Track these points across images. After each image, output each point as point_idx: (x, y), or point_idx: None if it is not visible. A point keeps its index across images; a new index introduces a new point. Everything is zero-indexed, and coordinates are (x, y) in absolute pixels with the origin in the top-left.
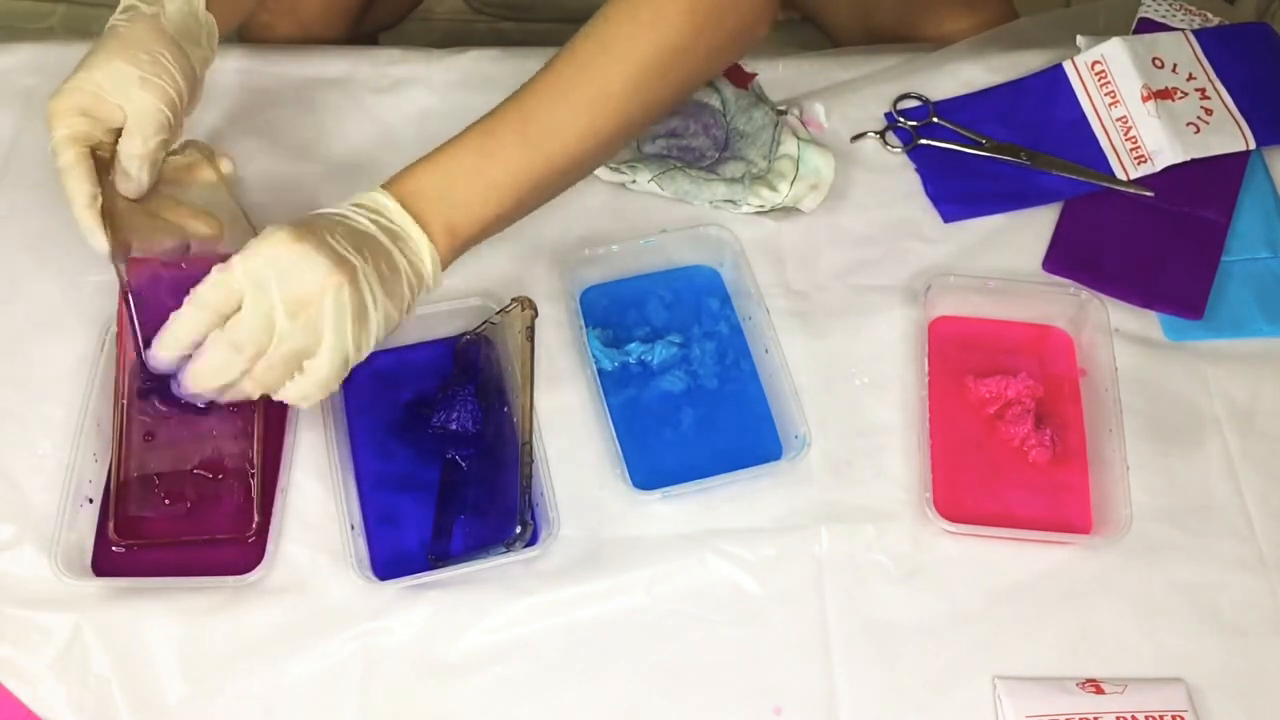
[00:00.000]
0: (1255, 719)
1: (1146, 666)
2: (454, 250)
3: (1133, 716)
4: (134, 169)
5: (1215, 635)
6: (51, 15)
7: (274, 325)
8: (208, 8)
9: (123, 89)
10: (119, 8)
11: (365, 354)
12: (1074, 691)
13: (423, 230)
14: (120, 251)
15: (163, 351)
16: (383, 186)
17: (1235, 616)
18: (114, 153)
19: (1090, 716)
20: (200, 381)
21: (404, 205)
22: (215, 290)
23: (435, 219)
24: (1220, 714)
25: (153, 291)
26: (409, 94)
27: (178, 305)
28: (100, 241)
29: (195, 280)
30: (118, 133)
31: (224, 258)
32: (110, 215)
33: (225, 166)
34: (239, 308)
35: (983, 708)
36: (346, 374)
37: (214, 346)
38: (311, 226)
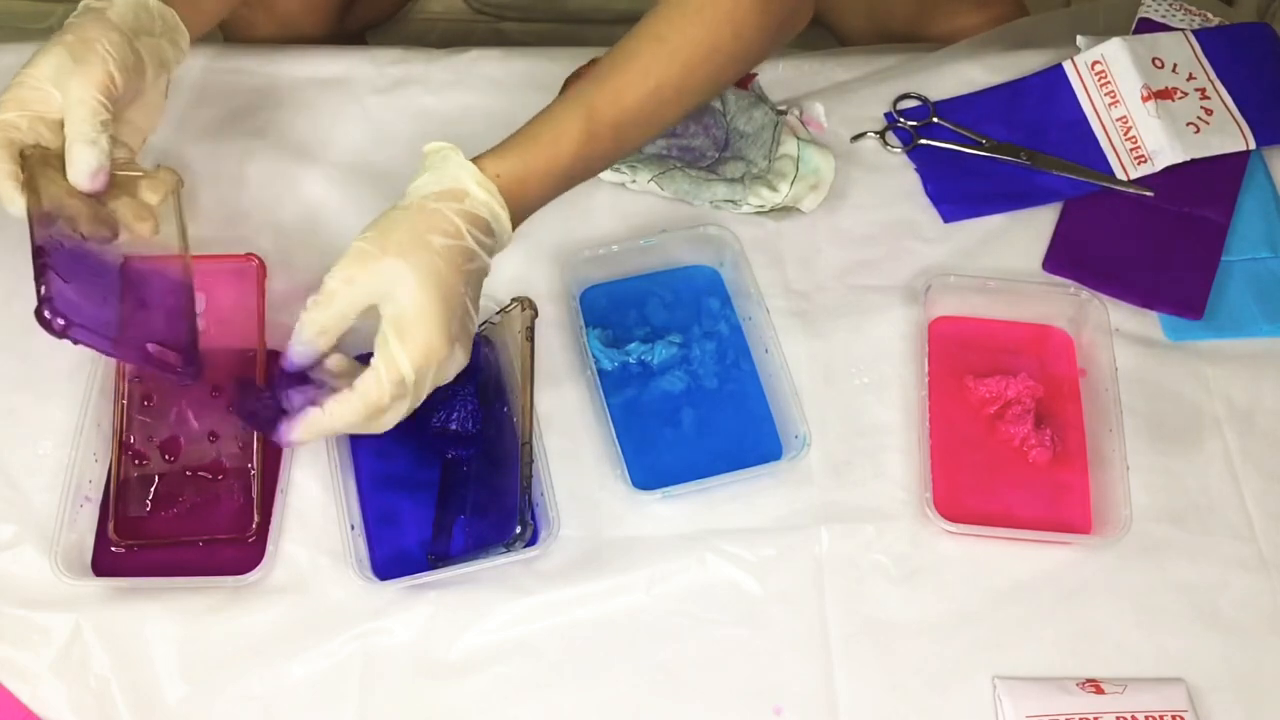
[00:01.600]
0: (1255, 719)
1: (1146, 666)
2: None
3: (1133, 716)
4: (73, 153)
5: (1215, 635)
6: (51, 15)
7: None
8: (167, 2)
9: (56, 77)
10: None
11: None
12: (1074, 691)
13: (510, 234)
14: (38, 216)
15: (302, 436)
16: (494, 178)
17: (1235, 616)
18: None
19: (1090, 716)
20: (313, 436)
21: (509, 206)
22: (387, 395)
23: (520, 217)
24: (1220, 714)
25: (60, 254)
26: (409, 94)
27: (86, 274)
28: (11, 193)
29: (97, 260)
30: (57, 129)
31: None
32: (38, 189)
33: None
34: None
35: (983, 708)
36: None
37: (352, 417)
38: (458, 311)
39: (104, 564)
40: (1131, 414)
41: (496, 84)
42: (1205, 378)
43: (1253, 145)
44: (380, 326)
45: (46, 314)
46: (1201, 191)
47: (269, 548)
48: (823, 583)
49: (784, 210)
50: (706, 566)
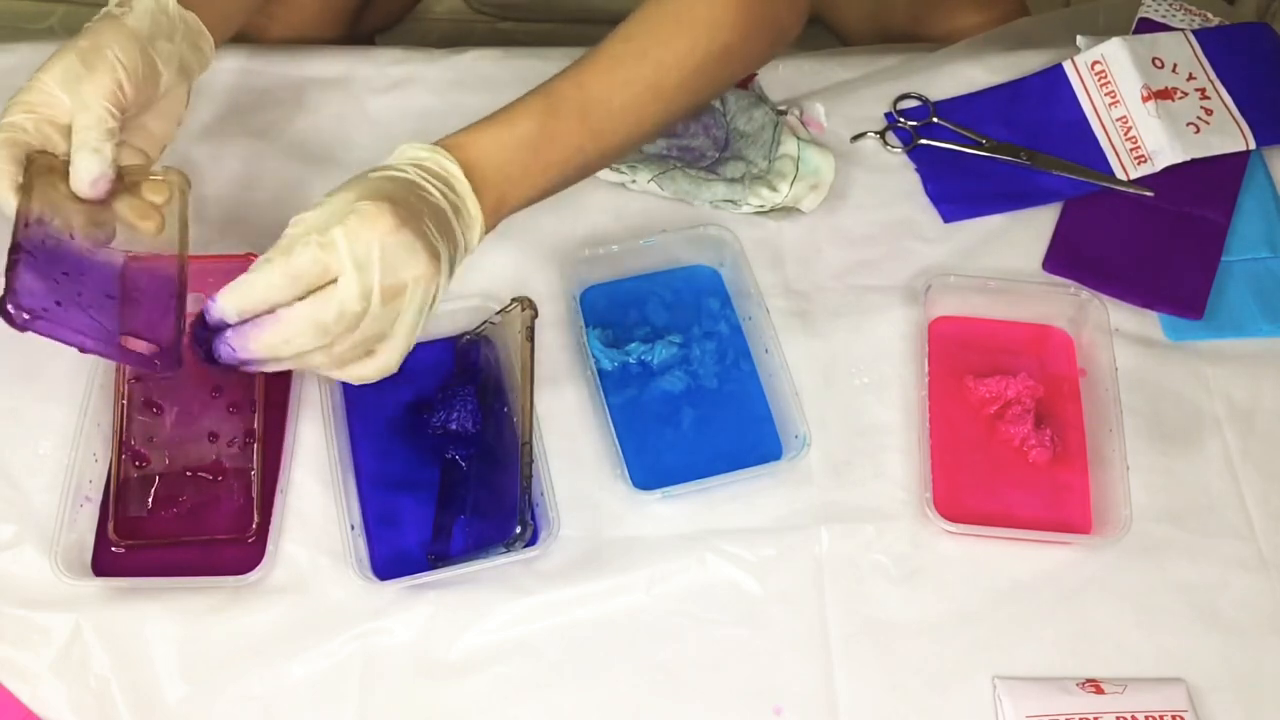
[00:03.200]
0: (1255, 719)
1: (1146, 666)
2: (494, 225)
3: (1133, 716)
4: (76, 160)
5: (1215, 635)
6: (51, 15)
7: (368, 309)
8: (188, 7)
9: (66, 82)
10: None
11: None
12: (1074, 691)
13: (478, 204)
14: (25, 217)
15: (229, 304)
16: (445, 146)
17: (1235, 616)
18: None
19: (1090, 716)
20: (270, 349)
21: (466, 174)
22: (313, 263)
23: (490, 193)
24: (1220, 714)
25: (41, 252)
26: (409, 94)
27: (71, 274)
28: (6, 195)
29: (89, 262)
30: (66, 134)
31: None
32: (33, 192)
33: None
34: (327, 282)
35: (983, 708)
36: None
37: (296, 320)
38: (408, 209)
39: (104, 564)
40: (1131, 414)
41: (496, 84)
42: (1205, 378)
43: (1253, 145)
44: None
45: (10, 307)
46: (1201, 191)
47: (269, 548)
48: (823, 583)
49: (784, 210)
50: (706, 566)
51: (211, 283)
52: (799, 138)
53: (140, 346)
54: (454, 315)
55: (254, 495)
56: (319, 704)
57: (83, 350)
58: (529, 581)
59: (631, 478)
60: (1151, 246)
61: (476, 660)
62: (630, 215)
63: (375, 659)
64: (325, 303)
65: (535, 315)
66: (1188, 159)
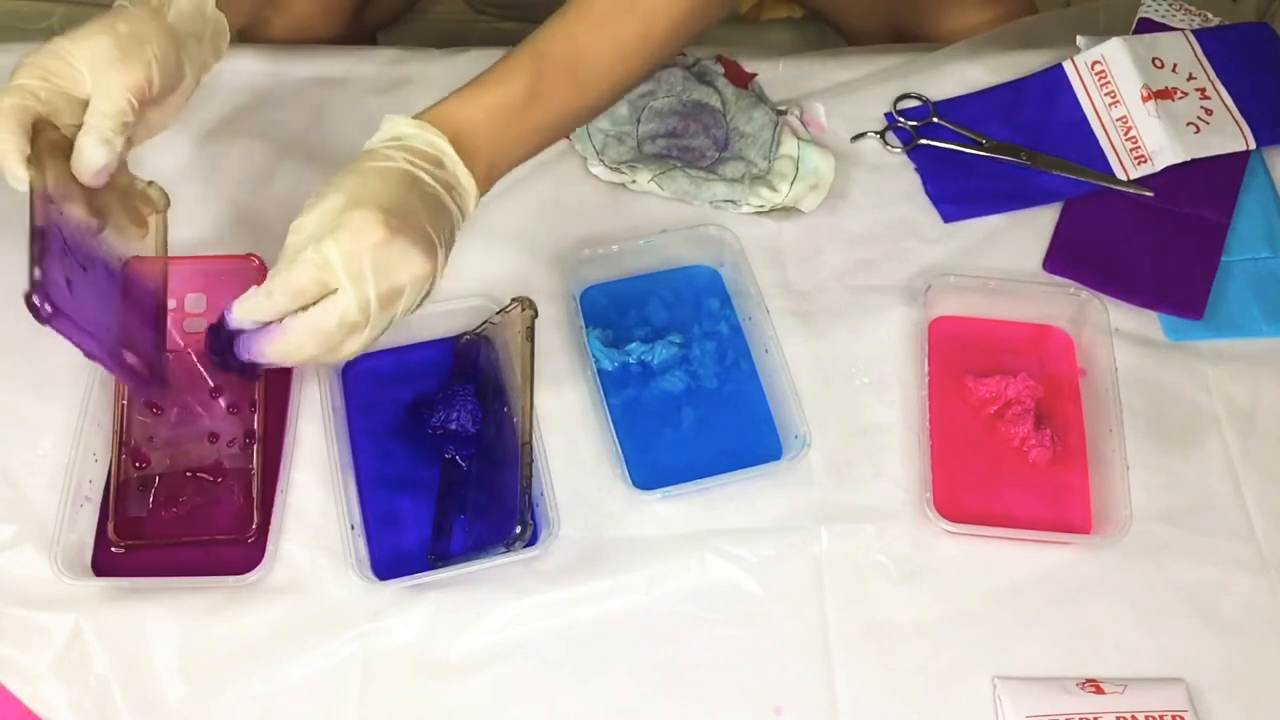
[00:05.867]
0: (1255, 719)
1: (1146, 666)
2: (488, 189)
3: (1133, 716)
4: (85, 147)
5: (1215, 635)
6: (51, 15)
7: (368, 318)
8: (217, 6)
9: (94, 61)
10: None
11: None
12: (1074, 691)
13: (470, 176)
14: (41, 195)
15: (243, 314)
16: (432, 117)
17: (1235, 616)
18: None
19: (1090, 716)
20: (281, 355)
21: (455, 144)
22: (312, 282)
23: (481, 161)
24: (1220, 714)
25: (57, 240)
26: (409, 94)
27: (82, 266)
28: (16, 169)
29: (93, 255)
30: (75, 108)
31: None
32: (44, 167)
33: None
34: (329, 292)
35: (983, 708)
36: None
37: (300, 330)
38: (400, 213)
39: (104, 564)
40: (1131, 414)
41: None
42: (1205, 378)
43: (1253, 145)
44: None
45: (36, 299)
46: (1201, 191)
47: (269, 548)
48: (823, 583)
49: (784, 210)
50: (706, 566)
51: (212, 283)
52: (799, 138)
53: (134, 361)
54: (454, 315)
55: (254, 495)
56: (319, 704)
57: (86, 355)
58: (529, 581)
59: (631, 478)
60: (1151, 246)
61: (476, 660)
62: (630, 215)
63: (375, 659)
64: (327, 314)
65: (535, 315)
66: (1188, 159)
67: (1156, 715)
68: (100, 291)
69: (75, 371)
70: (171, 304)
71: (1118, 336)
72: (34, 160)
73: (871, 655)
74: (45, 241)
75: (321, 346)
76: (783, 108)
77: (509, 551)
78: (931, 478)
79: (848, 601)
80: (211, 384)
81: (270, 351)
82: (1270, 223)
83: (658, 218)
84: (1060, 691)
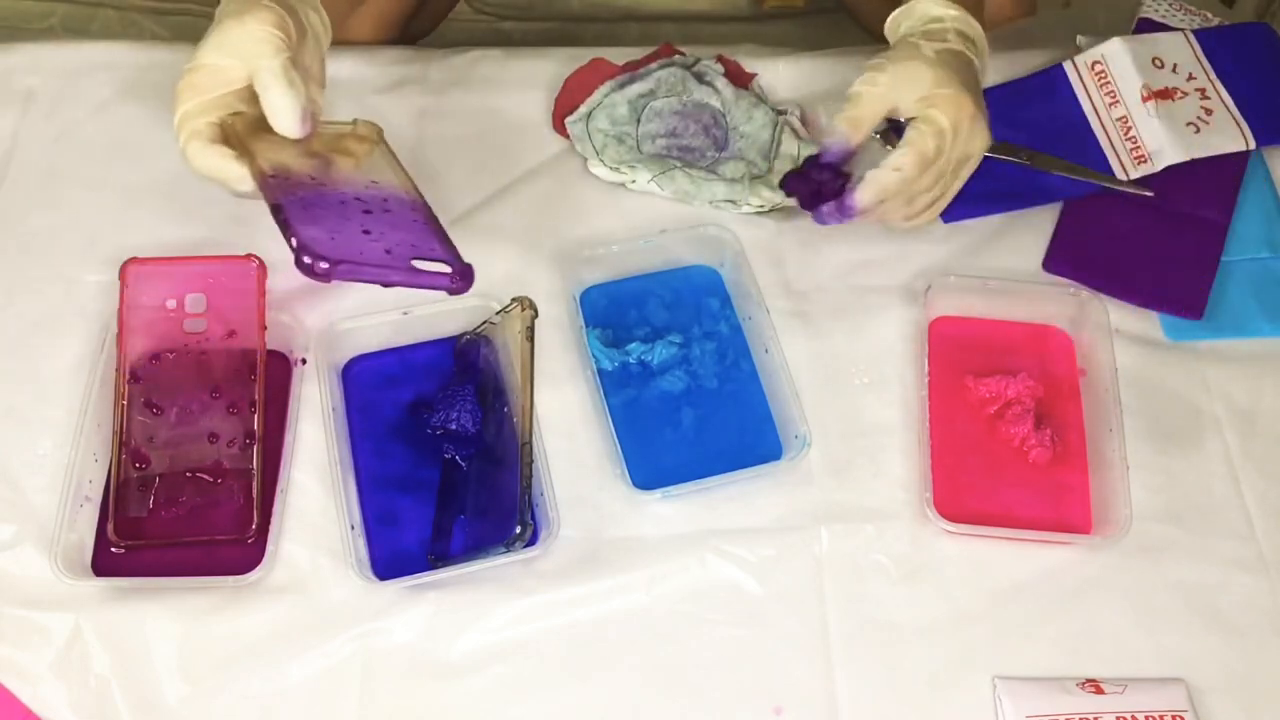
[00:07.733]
0: (1255, 719)
1: (1146, 666)
2: None
3: (1133, 716)
4: (273, 102)
5: (1215, 635)
6: (51, 15)
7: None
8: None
9: (225, 47)
10: None
11: None
12: (1074, 691)
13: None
14: (262, 178)
15: (865, 197)
16: None
17: (1235, 616)
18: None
19: (1090, 716)
20: (876, 195)
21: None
22: (931, 146)
23: None
24: (1220, 714)
25: (294, 205)
26: (409, 94)
27: (323, 217)
28: (236, 183)
29: (329, 203)
30: (247, 96)
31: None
32: (252, 152)
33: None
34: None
35: (983, 708)
36: None
37: (910, 170)
38: (975, 95)
39: (104, 564)
40: (1131, 414)
41: (496, 84)
42: (1205, 378)
43: (1253, 145)
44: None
45: (306, 259)
46: (1201, 191)
47: (269, 548)
48: (823, 583)
49: (784, 210)
50: (706, 566)
51: (212, 283)
52: (799, 138)
53: (429, 267)
54: (454, 315)
55: (254, 496)
56: (319, 704)
57: (385, 284)
58: (529, 581)
59: (631, 478)
60: (1151, 246)
61: (476, 660)
62: (630, 215)
63: (375, 659)
64: (926, 164)
65: (535, 315)
66: (1188, 159)
67: (1156, 715)
68: (357, 228)
69: (75, 371)
70: (171, 304)
71: (1118, 337)
72: (241, 154)
73: (871, 655)
74: (283, 214)
75: (911, 179)
76: (783, 108)
77: (509, 551)
78: (931, 478)
79: (848, 601)
80: (212, 385)
81: (868, 193)
82: (1270, 223)
83: (658, 218)
84: (1060, 691)
